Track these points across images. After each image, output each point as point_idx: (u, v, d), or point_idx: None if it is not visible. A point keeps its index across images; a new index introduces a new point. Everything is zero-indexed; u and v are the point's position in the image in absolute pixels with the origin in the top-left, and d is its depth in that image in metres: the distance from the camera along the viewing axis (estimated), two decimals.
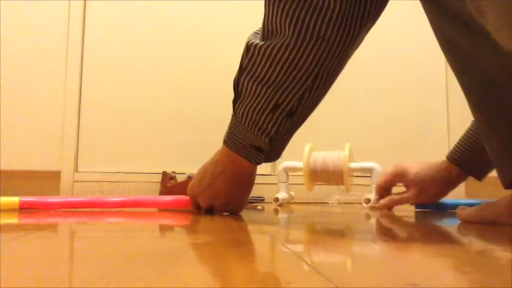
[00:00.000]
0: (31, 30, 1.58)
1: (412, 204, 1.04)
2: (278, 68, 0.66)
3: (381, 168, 1.18)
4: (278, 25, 0.64)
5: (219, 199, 0.77)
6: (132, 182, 1.53)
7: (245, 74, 0.69)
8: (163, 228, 0.63)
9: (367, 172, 1.19)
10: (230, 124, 0.74)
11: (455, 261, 0.37)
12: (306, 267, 0.32)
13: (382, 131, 1.58)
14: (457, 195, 1.51)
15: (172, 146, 1.57)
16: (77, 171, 1.54)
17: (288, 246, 0.44)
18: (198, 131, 1.57)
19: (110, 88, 1.59)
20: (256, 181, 0.80)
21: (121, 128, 1.57)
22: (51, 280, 0.26)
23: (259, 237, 0.51)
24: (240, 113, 0.70)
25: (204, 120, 1.57)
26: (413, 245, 0.47)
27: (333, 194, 1.32)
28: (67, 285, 0.26)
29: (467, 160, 0.87)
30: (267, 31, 0.66)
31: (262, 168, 1.39)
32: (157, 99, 1.59)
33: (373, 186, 1.18)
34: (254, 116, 0.69)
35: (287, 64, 0.65)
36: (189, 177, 1.28)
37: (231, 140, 0.73)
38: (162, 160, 1.55)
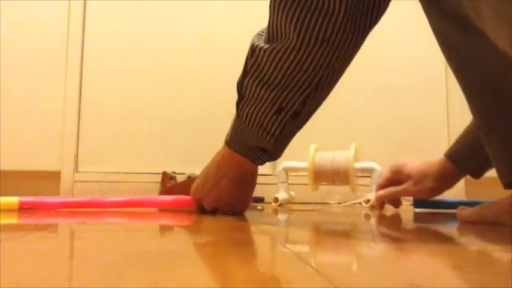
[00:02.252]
0: (31, 30, 1.58)
1: (411, 204, 1.04)
2: (283, 71, 0.65)
3: (381, 169, 1.18)
4: (283, 28, 0.64)
5: (223, 201, 0.77)
6: (132, 182, 1.53)
7: (249, 76, 0.69)
8: (164, 228, 0.62)
9: (367, 172, 1.19)
10: (233, 125, 0.73)
11: (455, 261, 0.37)
12: (306, 268, 0.32)
13: (382, 131, 1.58)
14: (457, 195, 1.52)
15: (172, 146, 1.57)
16: (77, 171, 1.54)
17: (288, 246, 0.44)
18: (198, 131, 1.57)
19: (110, 88, 1.59)
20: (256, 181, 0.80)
21: (121, 128, 1.57)
22: (51, 280, 0.26)
23: (259, 238, 0.51)
24: (244, 115, 0.70)
25: (204, 120, 1.57)
26: (413, 245, 0.47)
27: (333, 194, 1.32)
28: (67, 285, 0.26)
29: (463, 156, 0.86)
30: (271, 34, 0.66)
31: (262, 168, 1.38)
32: (158, 99, 1.59)
33: (373, 187, 1.18)
34: (258, 118, 0.69)
35: (292, 67, 0.65)
36: (189, 177, 1.28)
37: (234, 141, 0.73)
38: (162, 160, 1.55)
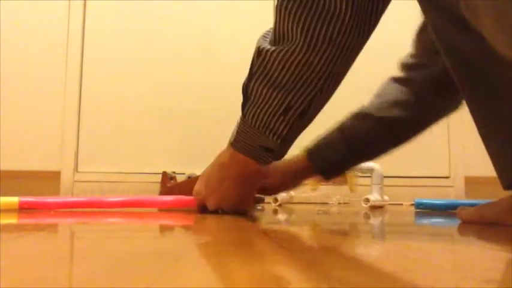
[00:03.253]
0: (31, 30, 1.58)
1: (411, 204, 1.04)
2: (290, 72, 0.66)
3: (381, 168, 1.18)
4: (289, 30, 0.64)
5: (226, 201, 0.78)
6: (132, 182, 1.53)
7: (255, 78, 0.69)
8: (163, 228, 0.63)
9: (367, 172, 1.19)
10: (238, 127, 0.74)
11: (455, 261, 0.37)
12: (306, 268, 0.32)
13: None
14: (457, 195, 1.52)
15: (172, 146, 1.57)
16: (77, 171, 1.54)
17: (288, 246, 0.44)
18: (198, 131, 1.57)
19: (110, 88, 1.59)
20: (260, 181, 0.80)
21: (121, 128, 1.57)
22: (51, 280, 0.26)
23: (259, 238, 0.51)
24: (250, 116, 0.71)
25: (204, 120, 1.57)
26: (413, 245, 0.47)
27: (332, 194, 1.32)
28: (67, 285, 0.26)
29: (316, 150, 0.87)
30: (278, 36, 0.66)
31: None
32: (158, 99, 1.59)
33: (373, 187, 1.18)
34: (265, 119, 0.70)
35: (298, 68, 0.65)
36: (189, 177, 1.28)
37: (238, 142, 0.74)
38: (162, 160, 1.55)
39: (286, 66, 0.66)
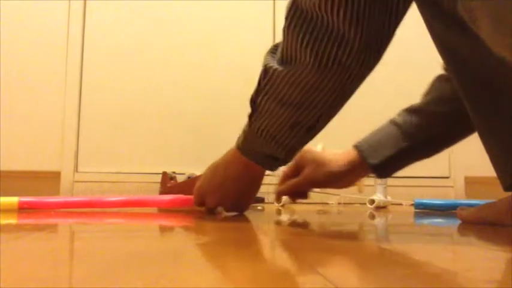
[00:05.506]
0: (31, 30, 1.58)
1: (411, 204, 1.04)
2: (297, 91, 0.66)
3: None
4: (298, 53, 0.64)
5: (227, 200, 0.78)
6: (132, 182, 1.53)
7: (263, 93, 0.69)
8: (163, 228, 0.63)
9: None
10: (245, 134, 0.74)
11: (455, 261, 0.37)
12: (306, 268, 0.32)
13: None
14: (457, 195, 1.52)
15: (172, 146, 1.57)
16: (77, 171, 1.54)
17: (288, 246, 0.44)
18: (198, 131, 1.57)
19: (110, 88, 1.59)
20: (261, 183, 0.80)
21: (121, 128, 1.57)
22: (51, 280, 0.26)
23: (260, 238, 0.51)
24: (257, 127, 0.71)
25: (204, 120, 1.57)
26: (413, 246, 0.47)
27: (334, 194, 1.31)
28: (67, 285, 0.26)
29: (368, 147, 0.81)
30: (286, 57, 0.66)
31: None
32: (157, 99, 1.59)
33: (378, 187, 1.18)
34: (271, 131, 0.70)
35: (306, 88, 0.65)
36: (189, 177, 1.28)
37: (246, 148, 0.74)
38: (162, 160, 1.55)
39: (294, 86, 0.66)
